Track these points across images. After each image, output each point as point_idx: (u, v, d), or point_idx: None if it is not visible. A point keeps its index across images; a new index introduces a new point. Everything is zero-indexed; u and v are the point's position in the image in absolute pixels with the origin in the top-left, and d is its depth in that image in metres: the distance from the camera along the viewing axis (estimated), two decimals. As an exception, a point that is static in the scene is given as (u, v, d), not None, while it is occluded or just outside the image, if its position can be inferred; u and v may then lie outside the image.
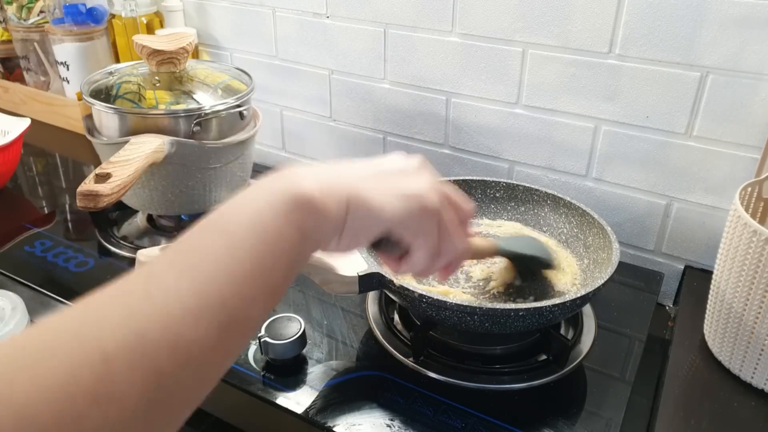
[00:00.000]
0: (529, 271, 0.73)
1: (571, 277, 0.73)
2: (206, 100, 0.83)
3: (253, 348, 0.67)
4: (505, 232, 0.81)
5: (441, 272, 0.50)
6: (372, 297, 0.75)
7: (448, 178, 0.83)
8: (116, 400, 0.25)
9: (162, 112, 0.80)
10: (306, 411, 0.60)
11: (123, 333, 0.27)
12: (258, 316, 0.34)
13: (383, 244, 0.45)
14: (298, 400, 0.61)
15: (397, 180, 0.43)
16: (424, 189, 0.44)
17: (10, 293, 0.72)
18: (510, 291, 0.71)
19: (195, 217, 0.92)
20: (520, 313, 0.59)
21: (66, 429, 0.24)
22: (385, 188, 0.42)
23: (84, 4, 1.19)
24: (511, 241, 0.75)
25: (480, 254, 0.67)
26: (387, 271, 0.64)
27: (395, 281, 0.62)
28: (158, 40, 0.85)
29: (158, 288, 0.30)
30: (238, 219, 0.34)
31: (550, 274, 0.73)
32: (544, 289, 0.72)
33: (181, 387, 0.29)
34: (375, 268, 0.64)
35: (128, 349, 0.27)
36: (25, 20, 1.26)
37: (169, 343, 0.28)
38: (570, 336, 0.69)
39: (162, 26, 1.19)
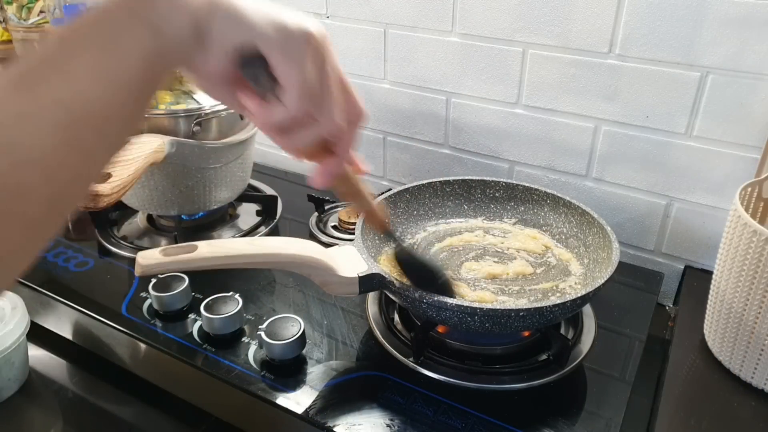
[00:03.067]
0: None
1: (572, 277, 0.73)
2: (206, 100, 0.83)
3: (253, 348, 0.67)
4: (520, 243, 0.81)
5: (314, 175, 0.46)
6: (372, 297, 0.75)
7: (448, 178, 0.84)
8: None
9: (162, 112, 0.80)
10: (306, 411, 0.60)
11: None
12: (106, 115, 0.32)
13: (254, 74, 0.40)
14: (298, 400, 0.61)
15: (282, 9, 0.39)
16: (312, 26, 0.39)
17: (10, 293, 0.72)
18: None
19: (195, 217, 0.92)
20: (521, 314, 0.59)
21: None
22: (264, 4, 0.38)
23: (84, 4, 1.19)
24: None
25: (357, 195, 0.55)
26: (386, 271, 0.64)
27: (396, 282, 0.62)
28: (158, 40, 0.84)
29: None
30: (82, 19, 0.33)
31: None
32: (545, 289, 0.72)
33: (22, 191, 0.29)
34: (375, 269, 0.64)
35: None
36: (25, 20, 1.26)
37: (2, 147, 0.28)
38: (570, 336, 0.69)
39: (162, 26, 1.19)
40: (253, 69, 0.39)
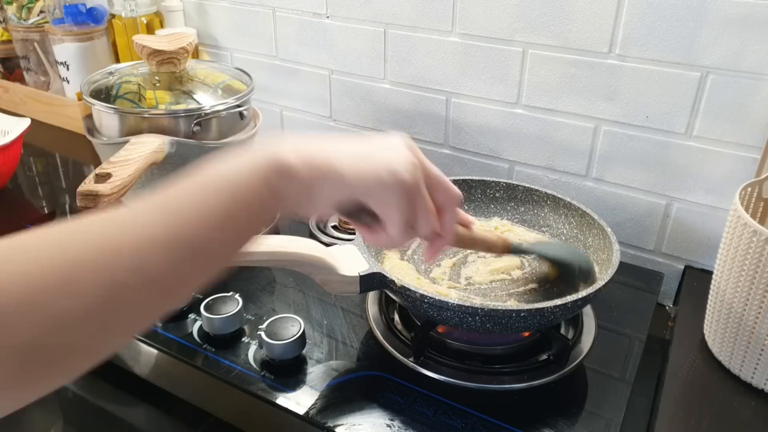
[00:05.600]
0: (566, 278, 0.72)
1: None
2: (206, 100, 0.83)
3: (253, 348, 0.67)
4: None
5: (425, 253, 0.54)
6: (372, 297, 0.75)
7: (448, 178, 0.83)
8: (79, 298, 0.31)
9: (162, 112, 0.80)
10: (306, 411, 0.60)
11: (96, 247, 0.33)
12: (219, 255, 0.40)
13: (358, 215, 0.46)
14: (298, 400, 0.61)
15: (374, 152, 0.45)
16: (399, 162, 0.44)
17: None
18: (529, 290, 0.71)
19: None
20: (522, 314, 0.59)
21: (36, 311, 0.30)
22: (358, 158, 0.44)
23: (84, 4, 1.19)
24: (550, 245, 0.75)
25: (474, 243, 0.62)
26: (387, 271, 0.64)
27: (396, 282, 0.62)
28: (158, 40, 0.85)
29: (135, 219, 0.36)
30: (218, 173, 0.40)
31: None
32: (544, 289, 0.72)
33: (137, 301, 0.34)
34: (376, 268, 0.64)
35: (97, 261, 0.33)
36: (25, 20, 1.26)
37: (133, 263, 0.34)
38: (570, 336, 0.69)
39: (162, 26, 1.19)
40: (355, 213, 0.46)
